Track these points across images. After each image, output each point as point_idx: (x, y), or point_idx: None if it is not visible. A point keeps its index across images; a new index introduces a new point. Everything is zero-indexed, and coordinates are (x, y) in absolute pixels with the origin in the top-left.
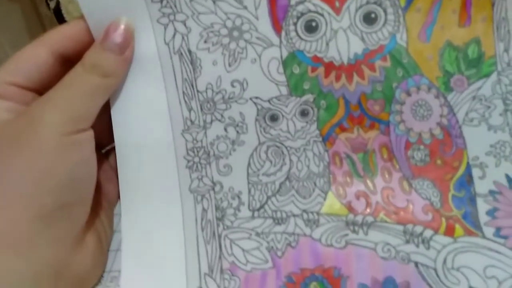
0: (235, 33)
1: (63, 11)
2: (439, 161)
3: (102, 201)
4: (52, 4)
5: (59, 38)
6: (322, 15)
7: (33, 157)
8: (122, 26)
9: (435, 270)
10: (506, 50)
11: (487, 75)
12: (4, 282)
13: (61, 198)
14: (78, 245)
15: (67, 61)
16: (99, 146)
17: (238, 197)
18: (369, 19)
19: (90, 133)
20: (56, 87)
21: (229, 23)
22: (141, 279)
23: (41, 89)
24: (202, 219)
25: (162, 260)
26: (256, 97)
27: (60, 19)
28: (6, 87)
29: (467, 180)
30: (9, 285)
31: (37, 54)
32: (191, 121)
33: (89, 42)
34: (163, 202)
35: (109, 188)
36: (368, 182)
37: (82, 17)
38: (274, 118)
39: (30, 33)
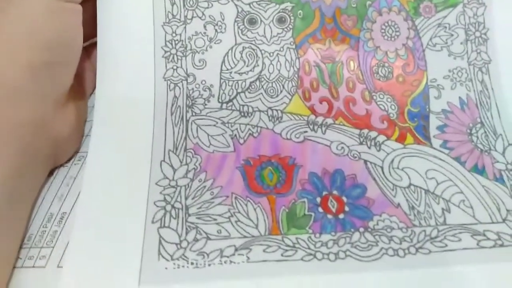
0: None
1: None
2: (400, 79)
3: (84, 85)
4: None
5: None
6: None
7: (23, 16)
8: None
9: (382, 168)
10: None
11: (454, 6)
12: None
13: (47, 57)
14: (59, 109)
15: None
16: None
17: (209, 89)
18: None
19: (79, 8)
20: None
21: None
22: (108, 152)
23: None
24: (172, 104)
25: (131, 135)
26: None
27: None
28: None
29: (423, 98)
30: None
31: None
32: (172, 15)
33: None
34: (137, 85)
35: (89, 77)
36: (333, 89)
37: None
38: (252, 22)
39: None
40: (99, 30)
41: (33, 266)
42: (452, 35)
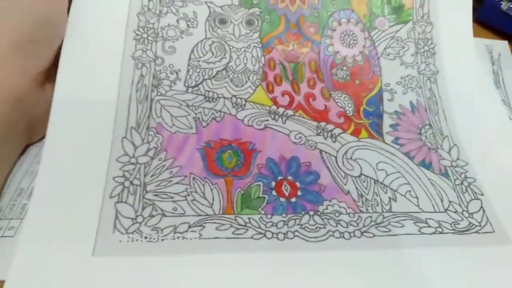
0: None
1: None
2: (357, 81)
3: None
4: None
5: None
6: None
7: None
8: None
9: (336, 157)
10: (421, 6)
11: (405, 22)
12: None
13: (32, 34)
14: (38, 87)
15: None
16: None
17: (177, 73)
18: None
19: None
20: None
21: None
22: (70, 126)
23: None
24: (138, 82)
25: (93, 111)
26: (211, 2)
27: None
28: None
29: (378, 100)
30: None
31: None
32: (148, 8)
33: None
34: (104, 61)
35: None
36: (295, 85)
37: None
38: (223, 22)
39: None
40: (72, 6)
41: (2, 236)
42: (403, 47)
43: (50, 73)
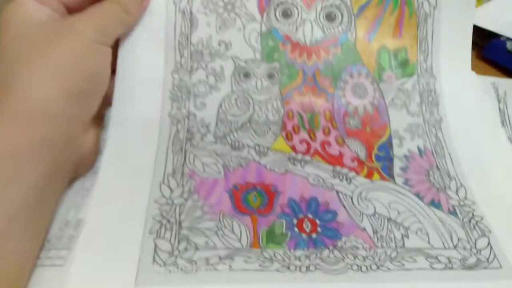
0: (229, 6)
1: None
2: (368, 129)
3: (102, 111)
4: None
5: None
6: (296, 7)
7: (71, 50)
8: None
9: (351, 197)
10: (425, 60)
11: (410, 75)
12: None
13: (82, 86)
14: (86, 129)
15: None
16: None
17: (207, 127)
18: (330, 17)
19: (110, 50)
20: (89, 9)
21: None
22: (116, 172)
23: (71, 8)
24: (174, 136)
25: (137, 159)
26: (236, 57)
27: None
28: None
29: (388, 145)
30: (43, 141)
31: None
32: (180, 64)
33: None
34: (146, 120)
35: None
36: (311, 133)
37: None
38: (246, 75)
39: None
40: (118, 69)
41: (53, 265)
42: (409, 97)
43: (93, 117)
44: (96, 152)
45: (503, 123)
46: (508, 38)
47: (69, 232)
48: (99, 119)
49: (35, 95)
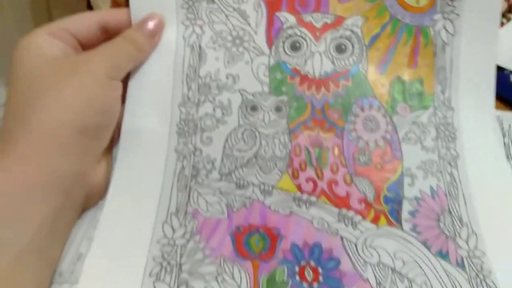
0: (237, 41)
1: None
2: (378, 166)
3: (112, 144)
4: None
5: (107, 14)
6: (305, 39)
7: (84, 86)
8: (157, 19)
9: (356, 244)
10: (442, 91)
11: (426, 108)
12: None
13: (98, 120)
14: (97, 162)
15: (106, 33)
16: None
17: (212, 163)
18: (340, 48)
19: (121, 84)
20: (102, 46)
21: (234, 33)
22: (122, 204)
23: (83, 45)
24: (179, 173)
25: (141, 196)
26: (244, 90)
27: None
28: (63, 31)
29: (398, 185)
30: (49, 178)
31: (89, 18)
32: (188, 97)
33: (126, 25)
34: (152, 154)
35: (115, 138)
36: (318, 171)
37: (125, 8)
38: (254, 108)
39: (33, 9)
40: (127, 103)
41: None
42: (424, 131)
43: (104, 151)
44: (106, 182)
45: (508, 157)
46: None
47: (82, 265)
48: (110, 150)
49: (48, 131)
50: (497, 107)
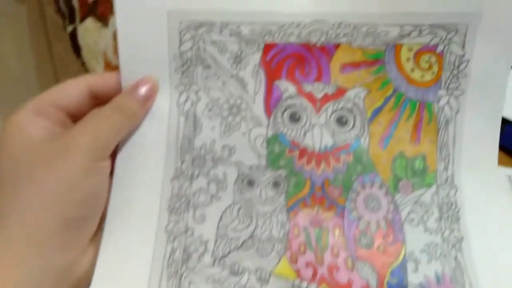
0: (234, 110)
1: (79, 37)
2: (381, 248)
3: (100, 228)
4: (69, 29)
5: (96, 79)
6: (305, 110)
7: (65, 176)
8: (150, 83)
9: None
10: (445, 169)
11: (429, 186)
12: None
13: (81, 211)
14: (83, 252)
15: (96, 98)
16: None
17: (205, 245)
18: (341, 121)
19: (109, 162)
20: (88, 120)
21: (231, 101)
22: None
23: (72, 114)
24: (170, 257)
25: (130, 279)
26: (240, 163)
27: (75, 43)
28: (48, 107)
29: (402, 270)
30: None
31: (77, 85)
32: (181, 171)
33: (117, 90)
34: (140, 234)
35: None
36: (318, 254)
37: (116, 71)
38: (250, 183)
39: (32, 35)
40: (115, 178)
41: None
42: (427, 211)
43: (92, 236)
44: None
45: None
46: None
47: None
48: (98, 235)
49: (29, 227)
50: (506, 162)
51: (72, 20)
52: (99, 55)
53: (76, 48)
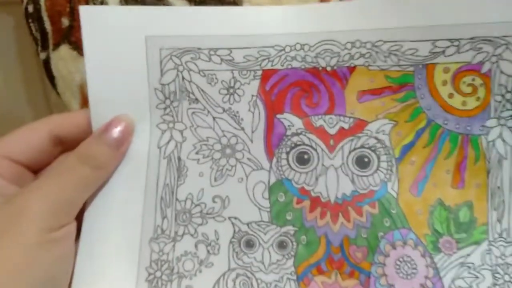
0: (228, 151)
1: (52, 66)
2: None
3: None
4: (43, 56)
5: (60, 122)
6: (315, 149)
7: (13, 251)
8: (124, 123)
9: None
10: (499, 220)
11: (478, 243)
12: None
13: None
14: None
15: (62, 144)
16: None
17: None
18: (362, 162)
19: (73, 226)
20: (47, 175)
21: (224, 140)
22: None
23: (33, 165)
24: None
25: None
26: (235, 218)
27: (48, 71)
28: (2, 160)
29: None
30: None
31: (37, 133)
32: (162, 230)
33: (87, 132)
34: None
35: None
36: None
37: (86, 109)
38: (250, 244)
39: (19, 45)
40: (81, 242)
41: None
42: (477, 277)
43: None
44: None
45: None
46: None
47: None
48: None
49: None
50: None
51: (44, 46)
52: (74, 89)
53: (51, 79)
